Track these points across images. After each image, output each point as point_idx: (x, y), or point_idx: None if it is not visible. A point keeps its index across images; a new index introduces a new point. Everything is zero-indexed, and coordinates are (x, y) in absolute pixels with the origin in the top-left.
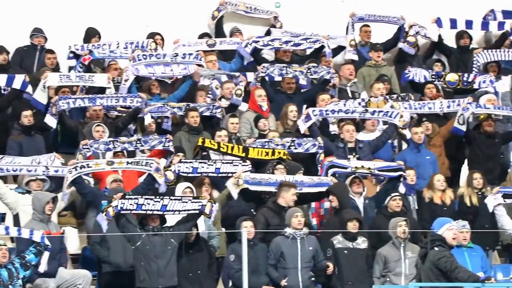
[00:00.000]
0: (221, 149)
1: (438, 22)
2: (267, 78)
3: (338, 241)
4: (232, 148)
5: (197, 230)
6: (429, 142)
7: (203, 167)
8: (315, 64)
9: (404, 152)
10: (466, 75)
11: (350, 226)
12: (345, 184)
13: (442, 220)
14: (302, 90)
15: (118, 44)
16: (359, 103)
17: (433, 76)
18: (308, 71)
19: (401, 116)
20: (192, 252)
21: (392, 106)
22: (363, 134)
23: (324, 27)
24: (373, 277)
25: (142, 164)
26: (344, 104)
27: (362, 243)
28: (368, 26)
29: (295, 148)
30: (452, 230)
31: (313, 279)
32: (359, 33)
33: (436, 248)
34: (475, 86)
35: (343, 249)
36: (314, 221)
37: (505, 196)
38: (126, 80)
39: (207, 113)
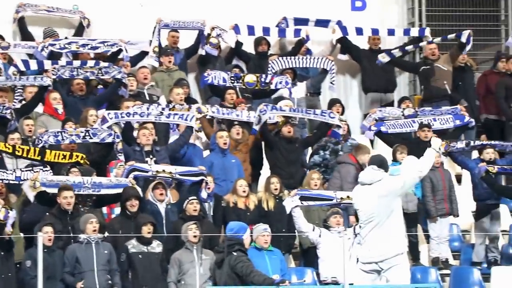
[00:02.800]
0: (16, 152)
1: (236, 28)
2: (57, 79)
3: (133, 245)
4: (28, 151)
5: None
6: (236, 147)
7: (2, 174)
8: (106, 65)
9: (211, 156)
10: (264, 76)
11: (144, 230)
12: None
13: (236, 225)
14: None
15: None
16: (163, 109)
17: (232, 78)
18: (100, 71)
19: (197, 119)
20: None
21: (199, 109)
22: (174, 135)
23: (125, 32)
24: (168, 281)
25: None
26: (147, 108)
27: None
28: (176, 31)
29: (90, 138)
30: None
31: (109, 282)
32: (166, 38)
33: (234, 253)
34: (272, 86)
35: (137, 253)
36: None
37: (302, 198)
38: None
39: None
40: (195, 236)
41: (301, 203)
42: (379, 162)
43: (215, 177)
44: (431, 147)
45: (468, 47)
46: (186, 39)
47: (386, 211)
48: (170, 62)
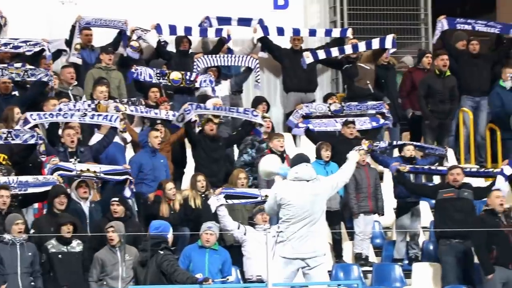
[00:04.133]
0: None
1: (158, 28)
2: None
3: (52, 245)
4: None
5: None
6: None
7: None
8: (33, 67)
9: (139, 155)
10: (188, 73)
11: (64, 230)
12: None
13: (160, 223)
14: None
15: None
16: (89, 105)
17: (158, 74)
18: (26, 73)
19: (121, 120)
20: None
21: (117, 108)
22: (97, 135)
23: (45, 30)
24: (89, 281)
25: None
26: (74, 105)
27: (77, 246)
28: (89, 29)
29: (13, 139)
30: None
31: (32, 283)
32: (79, 36)
33: (161, 252)
34: (197, 84)
35: (57, 253)
36: None
37: (227, 197)
38: None
39: None
40: (112, 239)
41: (226, 201)
42: (306, 161)
43: (144, 178)
44: (354, 151)
45: (392, 50)
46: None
47: (320, 209)
48: (110, 60)
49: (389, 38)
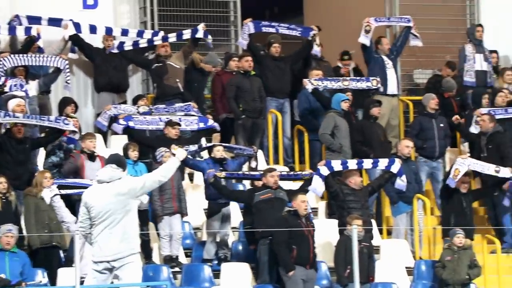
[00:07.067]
0: None
1: None
2: None
3: None
4: None
5: None
6: None
7: None
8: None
9: None
10: None
11: None
12: None
13: None
14: None
15: None
16: None
17: None
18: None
19: None
20: None
21: None
22: None
23: None
24: None
25: None
26: None
27: None
28: None
29: None
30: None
31: None
32: None
33: None
34: (6, 89)
35: None
36: None
37: (60, 187)
38: None
39: None
40: None
41: (59, 191)
42: (118, 161)
43: None
44: (175, 156)
45: (209, 40)
46: None
47: (123, 210)
48: None
49: (200, 28)
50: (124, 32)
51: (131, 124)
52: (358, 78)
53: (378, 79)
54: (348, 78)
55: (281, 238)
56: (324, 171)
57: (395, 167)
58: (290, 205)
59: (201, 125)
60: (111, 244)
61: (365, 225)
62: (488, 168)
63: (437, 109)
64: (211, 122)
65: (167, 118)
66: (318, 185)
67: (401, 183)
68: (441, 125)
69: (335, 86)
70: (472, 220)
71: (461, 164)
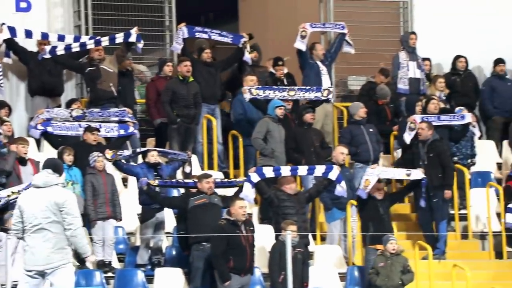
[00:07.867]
0: None
1: None
2: None
3: None
4: None
5: None
6: None
7: None
8: None
9: None
10: None
11: None
12: None
13: None
14: None
15: None
16: None
17: None
18: None
19: None
20: None
21: None
22: None
23: None
24: None
25: None
26: None
27: None
28: None
29: None
30: None
31: None
32: None
33: None
34: None
35: None
36: None
37: None
38: None
39: None
40: None
41: None
42: (54, 166)
43: None
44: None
45: (141, 45)
46: None
47: (54, 218)
48: None
49: (133, 32)
50: (61, 38)
51: (49, 129)
52: (307, 88)
53: (331, 89)
54: (295, 88)
55: (218, 249)
56: (255, 177)
57: (333, 174)
58: (226, 211)
59: (122, 132)
60: (44, 250)
61: (301, 231)
62: (399, 174)
63: (365, 117)
64: (131, 129)
65: (86, 124)
66: (248, 192)
67: (341, 189)
68: (371, 130)
69: (279, 97)
70: (391, 226)
71: (371, 174)
